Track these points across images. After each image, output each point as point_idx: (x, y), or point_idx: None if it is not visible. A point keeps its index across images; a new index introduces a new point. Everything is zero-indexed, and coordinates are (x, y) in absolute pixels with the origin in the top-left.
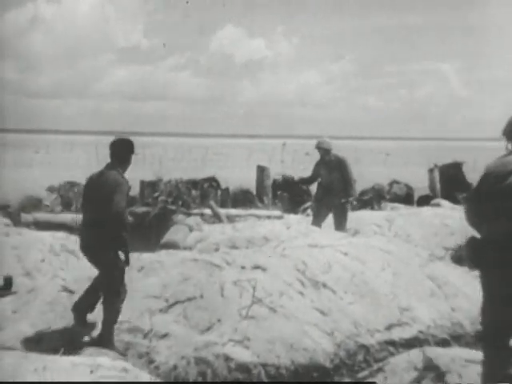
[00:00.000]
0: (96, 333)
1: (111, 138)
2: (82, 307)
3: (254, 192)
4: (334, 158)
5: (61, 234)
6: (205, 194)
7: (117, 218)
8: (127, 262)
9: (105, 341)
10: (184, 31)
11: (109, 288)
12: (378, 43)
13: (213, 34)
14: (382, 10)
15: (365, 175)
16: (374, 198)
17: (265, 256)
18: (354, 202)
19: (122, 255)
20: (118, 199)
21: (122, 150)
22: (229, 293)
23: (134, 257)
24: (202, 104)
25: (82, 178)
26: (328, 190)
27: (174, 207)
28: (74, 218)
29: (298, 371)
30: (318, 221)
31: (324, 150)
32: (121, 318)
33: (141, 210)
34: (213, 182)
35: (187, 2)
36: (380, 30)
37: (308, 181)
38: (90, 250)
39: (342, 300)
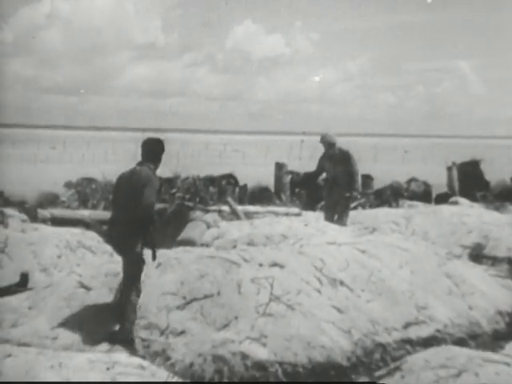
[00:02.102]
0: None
1: (128, 135)
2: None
3: (272, 189)
4: (339, 151)
5: (77, 230)
6: (222, 190)
7: (146, 212)
8: (154, 257)
9: (123, 339)
10: (202, 27)
11: (129, 281)
12: (396, 41)
13: (230, 30)
14: (401, 7)
15: (383, 172)
16: (392, 196)
17: (282, 253)
18: (359, 196)
19: (148, 250)
20: (149, 194)
21: (154, 149)
22: (246, 290)
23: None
24: (219, 101)
25: (98, 174)
26: (333, 184)
27: (191, 204)
28: (91, 214)
29: (315, 369)
30: (329, 215)
31: (328, 144)
32: (138, 314)
33: (158, 206)
34: (230, 178)
35: None
36: (398, 27)
37: (313, 175)
38: (118, 242)
39: (359, 298)
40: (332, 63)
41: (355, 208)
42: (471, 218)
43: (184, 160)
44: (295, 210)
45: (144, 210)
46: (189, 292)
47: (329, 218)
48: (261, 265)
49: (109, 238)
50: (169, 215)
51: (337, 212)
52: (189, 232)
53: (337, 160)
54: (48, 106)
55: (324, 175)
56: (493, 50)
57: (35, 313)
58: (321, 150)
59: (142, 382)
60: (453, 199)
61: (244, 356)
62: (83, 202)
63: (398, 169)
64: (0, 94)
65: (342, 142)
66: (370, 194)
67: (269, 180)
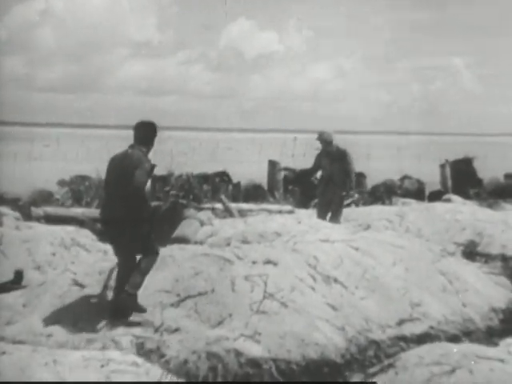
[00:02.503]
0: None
1: (123, 132)
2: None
3: (266, 187)
4: (336, 149)
5: (71, 228)
6: (216, 188)
7: (137, 192)
8: (150, 230)
9: (131, 303)
10: (196, 25)
11: (147, 250)
12: (390, 38)
13: (224, 27)
14: (395, 4)
15: (376, 170)
16: (385, 193)
17: (276, 251)
18: (356, 195)
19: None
20: (140, 174)
21: (146, 132)
22: (240, 287)
23: None
24: (213, 98)
25: (92, 172)
26: (329, 182)
27: (185, 201)
28: (85, 211)
29: (309, 366)
30: (322, 214)
31: (325, 142)
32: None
33: (152, 204)
34: (224, 176)
35: None
36: (392, 24)
37: (309, 172)
38: (114, 228)
39: (353, 295)
40: (325, 60)
41: (349, 205)
42: (464, 215)
43: (178, 157)
44: (288, 207)
45: (135, 191)
46: (183, 289)
47: (322, 216)
48: (254, 262)
49: (103, 227)
50: (163, 213)
51: (331, 210)
52: (183, 230)
53: (333, 158)
54: (42, 103)
55: (320, 173)
56: (487, 47)
57: (30, 310)
58: (313, 147)
59: (136, 382)
60: (446, 196)
61: (238, 353)
62: (77, 200)
63: (392, 166)
64: None
65: (336, 140)
66: (365, 192)
67: (262, 177)
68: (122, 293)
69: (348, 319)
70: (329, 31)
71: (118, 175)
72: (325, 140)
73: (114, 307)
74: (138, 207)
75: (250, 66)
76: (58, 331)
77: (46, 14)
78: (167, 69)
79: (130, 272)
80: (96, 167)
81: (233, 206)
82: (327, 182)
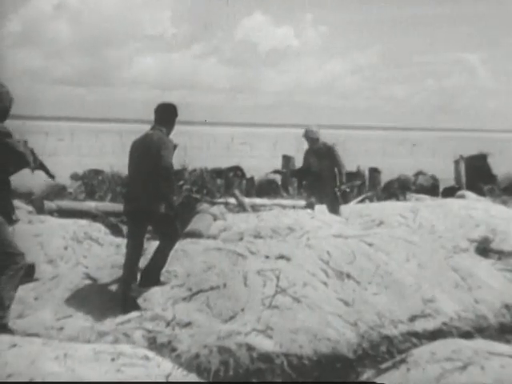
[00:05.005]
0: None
1: (136, 126)
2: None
3: (279, 182)
4: (323, 145)
5: (84, 222)
6: (229, 183)
7: (165, 172)
8: (174, 212)
9: (154, 281)
10: (210, 19)
11: (172, 235)
12: (405, 33)
13: (239, 21)
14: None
15: (391, 166)
16: (399, 189)
17: (289, 246)
18: (347, 190)
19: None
20: (166, 154)
21: (166, 114)
22: (252, 282)
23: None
24: (227, 93)
25: (106, 166)
26: (317, 178)
27: (198, 196)
28: (98, 205)
29: (321, 361)
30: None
31: (311, 139)
32: (144, 306)
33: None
34: (238, 171)
35: None
36: (408, 19)
37: (300, 171)
38: (142, 210)
39: (365, 291)
40: (341, 55)
41: (362, 201)
42: (478, 211)
43: (191, 152)
44: (302, 202)
45: (163, 171)
46: (195, 284)
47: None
48: (267, 257)
49: (126, 207)
50: (176, 207)
51: (328, 206)
52: (195, 224)
53: (322, 155)
54: (56, 97)
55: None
56: (502, 42)
57: (41, 304)
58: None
59: (148, 382)
60: (460, 193)
61: (250, 348)
62: (90, 194)
63: (406, 162)
64: (8, 85)
65: (350, 135)
66: (379, 188)
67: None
68: (130, 284)
69: (360, 315)
70: (344, 26)
71: (140, 155)
72: (310, 137)
73: (124, 299)
74: (164, 188)
75: (265, 60)
76: (70, 324)
77: (60, 7)
78: (181, 62)
79: (137, 262)
80: (109, 161)
81: (246, 200)
82: (316, 179)
